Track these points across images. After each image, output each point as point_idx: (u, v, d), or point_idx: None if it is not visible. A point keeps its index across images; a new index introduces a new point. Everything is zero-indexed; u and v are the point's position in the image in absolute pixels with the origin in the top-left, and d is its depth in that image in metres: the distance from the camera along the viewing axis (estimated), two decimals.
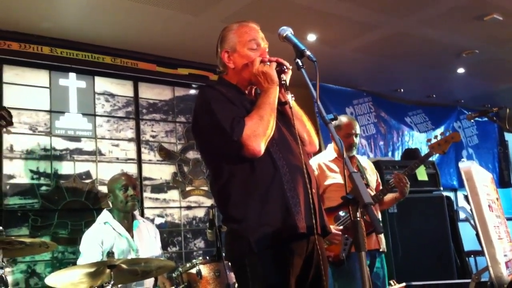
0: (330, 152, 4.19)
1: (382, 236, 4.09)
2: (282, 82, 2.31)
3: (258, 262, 2.15)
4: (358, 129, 4.17)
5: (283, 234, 2.16)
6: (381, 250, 4.07)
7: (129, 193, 4.18)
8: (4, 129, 3.09)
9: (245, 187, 2.22)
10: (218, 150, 2.28)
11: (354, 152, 4.18)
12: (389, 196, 4.15)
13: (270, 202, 2.18)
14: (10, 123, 3.00)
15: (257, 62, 2.33)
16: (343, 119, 4.18)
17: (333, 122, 4.13)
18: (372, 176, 4.27)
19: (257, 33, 2.44)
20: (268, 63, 2.32)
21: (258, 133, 2.18)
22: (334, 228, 3.62)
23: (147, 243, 4.24)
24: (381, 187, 4.25)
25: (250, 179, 2.22)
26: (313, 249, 2.23)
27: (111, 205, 4.28)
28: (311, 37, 5.58)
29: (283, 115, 2.42)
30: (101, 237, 4.02)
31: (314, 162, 4.02)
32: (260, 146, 2.18)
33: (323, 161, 4.11)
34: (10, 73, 5.02)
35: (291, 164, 2.27)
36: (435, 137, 4.23)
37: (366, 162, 4.37)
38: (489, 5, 5.24)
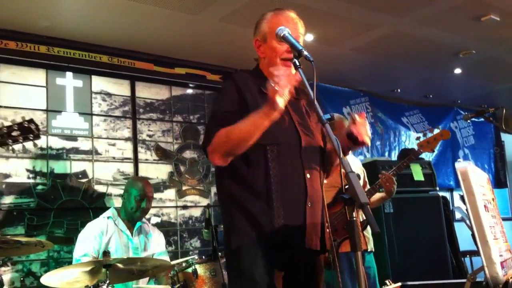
0: None
1: (370, 236, 4.08)
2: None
3: (245, 257, 2.20)
4: None
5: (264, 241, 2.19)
6: (368, 250, 4.06)
7: (142, 205, 4.25)
8: (32, 143, 3.09)
9: (241, 183, 2.25)
10: None
11: None
12: (376, 196, 4.14)
13: (258, 207, 2.21)
14: (38, 137, 3.00)
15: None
16: (337, 119, 4.13)
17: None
18: (360, 175, 4.24)
19: (290, 22, 2.32)
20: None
21: (215, 149, 2.19)
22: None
23: (146, 243, 4.27)
24: (368, 186, 4.23)
25: (246, 178, 2.25)
26: (298, 259, 2.27)
27: (121, 202, 4.37)
28: (309, 37, 5.58)
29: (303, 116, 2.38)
30: (101, 228, 4.13)
31: None
32: (215, 159, 2.22)
33: None
34: (7, 72, 5.01)
35: (287, 176, 2.24)
36: (424, 134, 4.20)
37: (352, 161, 4.33)
38: (486, 6, 5.24)
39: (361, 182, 4.21)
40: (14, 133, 2.92)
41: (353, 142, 2.32)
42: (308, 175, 2.26)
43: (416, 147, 4.14)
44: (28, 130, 2.95)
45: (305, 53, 2.08)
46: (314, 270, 2.33)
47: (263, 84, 2.20)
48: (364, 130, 2.27)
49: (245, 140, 2.13)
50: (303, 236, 2.21)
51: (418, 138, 4.24)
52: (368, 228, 3.89)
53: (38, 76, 5.19)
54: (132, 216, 4.26)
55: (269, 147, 2.22)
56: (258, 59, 2.44)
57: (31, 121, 2.98)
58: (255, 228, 2.19)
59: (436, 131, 4.16)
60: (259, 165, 2.22)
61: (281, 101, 2.02)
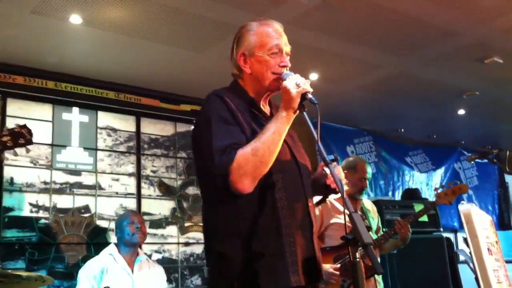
0: None
1: (380, 280, 4.04)
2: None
3: None
4: (370, 173, 4.14)
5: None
6: None
7: (136, 226, 4.27)
8: (24, 148, 2.99)
9: (233, 219, 2.00)
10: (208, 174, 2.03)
11: (363, 195, 4.14)
12: (389, 242, 4.12)
13: (265, 247, 1.98)
14: (30, 142, 2.93)
15: (291, 86, 2.02)
16: (359, 161, 4.13)
17: (348, 164, 4.12)
18: (374, 219, 4.23)
19: (280, 35, 2.19)
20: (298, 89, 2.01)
21: (246, 171, 1.91)
22: (332, 267, 3.59)
23: (145, 278, 4.24)
24: (381, 231, 4.21)
25: (246, 212, 2.00)
26: None
27: (117, 241, 4.36)
28: (313, 76, 5.62)
29: (295, 143, 2.24)
30: (102, 266, 4.09)
31: None
32: (245, 185, 1.92)
33: (330, 198, 4.01)
34: (14, 107, 5.06)
35: (294, 206, 2.07)
36: (442, 186, 4.24)
37: (370, 205, 4.33)
38: (490, 48, 5.31)
39: (375, 226, 4.20)
40: (4, 139, 2.84)
41: (331, 192, 2.20)
42: (310, 204, 2.15)
43: (420, 187, 4.16)
44: (19, 135, 2.86)
45: (309, 96, 2.01)
46: None
47: (251, 105, 2.16)
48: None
49: (273, 153, 1.96)
50: (316, 271, 2.09)
51: (436, 189, 4.26)
52: None
53: (44, 111, 5.24)
54: (132, 243, 4.23)
55: (275, 176, 2.02)
56: (237, 75, 2.24)
57: (23, 126, 2.91)
58: (268, 274, 1.95)
59: (454, 184, 4.21)
60: (264, 197, 2.00)
61: (297, 102, 1.99)
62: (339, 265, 3.69)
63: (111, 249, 4.28)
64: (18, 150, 2.95)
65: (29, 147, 2.96)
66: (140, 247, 4.47)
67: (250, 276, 1.95)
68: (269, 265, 1.96)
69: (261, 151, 1.93)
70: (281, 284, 1.98)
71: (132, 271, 4.20)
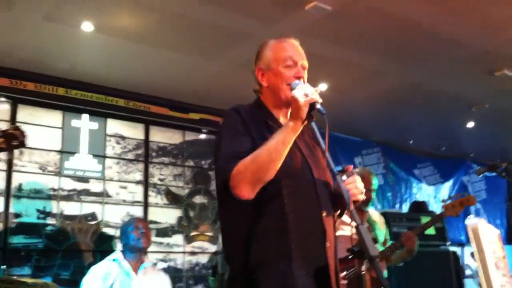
0: None
1: None
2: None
3: None
4: (376, 184, 4.13)
5: None
6: None
7: (141, 230, 4.27)
8: (18, 151, 2.97)
9: (251, 222, 2.04)
10: None
11: (369, 207, 4.13)
12: (396, 254, 4.10)
13: (272, 248, 2.02)
14: (23, 144, 2.93)
15: (299, 96, 2.00)
16: (364, 173, 4.12)
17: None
18: (381, 231, 4.21)
19: (295, 49, 2.25)
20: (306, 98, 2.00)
21: (244, 177, 1.96)
22: (341, 277, 3.57)
23: (149, 284, 4.23)
24: (388, 243, 4.19)
25: (257, 216, 2.04)
26: None
27: (122, 248, 4.34)
28: (323, 87, 5.62)
29: (311, 151, 2.24)
30: (106, 271, 4.08)
31: None
32: (244, 191, 1.97)
33: None
34: (24, 113, 5.09)
35: (304, 213, 2.08)
36: (450, 197, 4.21)
37: (377, 217, 4.31)
38: (500, 61, 5.29)
39: (382, 238, 4.18)
40: None
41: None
42: (324, 213, 2.12)
43: (427, 200, 4.13)
44: (12, 136, 2.86)
45: (318, 106, 2.00)
46: None
47: (267, 117, 2.20)
48: (356, 190, 2.08)
49: (274, 160, 1.98)
50: (327, 280, 2.05)
51: (444, 201, 4.24)
52: None
53: (54, 117, 5.27)
54: (137, 248, 4.23)
55: (284, 182, 2.05)
56: (258, 90, 2.31)
57: (16, 128, 2.92)
58: (273, 273, 1.97)
59: (462, 195, 4.18)
60: (272, 202, 2.04)
61: (305, 111, 1.98)
62: (344, 273, 3.66)
63: (115, 255, 4.26)
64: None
65: (24, 149, 2.96)
66: (146, 254, 4.46)
67: (249, 277, 1.99)
68: (271, 268, 1.98)
69: (261, 158, 1.97)
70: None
71: (137, 276, 4.20)
